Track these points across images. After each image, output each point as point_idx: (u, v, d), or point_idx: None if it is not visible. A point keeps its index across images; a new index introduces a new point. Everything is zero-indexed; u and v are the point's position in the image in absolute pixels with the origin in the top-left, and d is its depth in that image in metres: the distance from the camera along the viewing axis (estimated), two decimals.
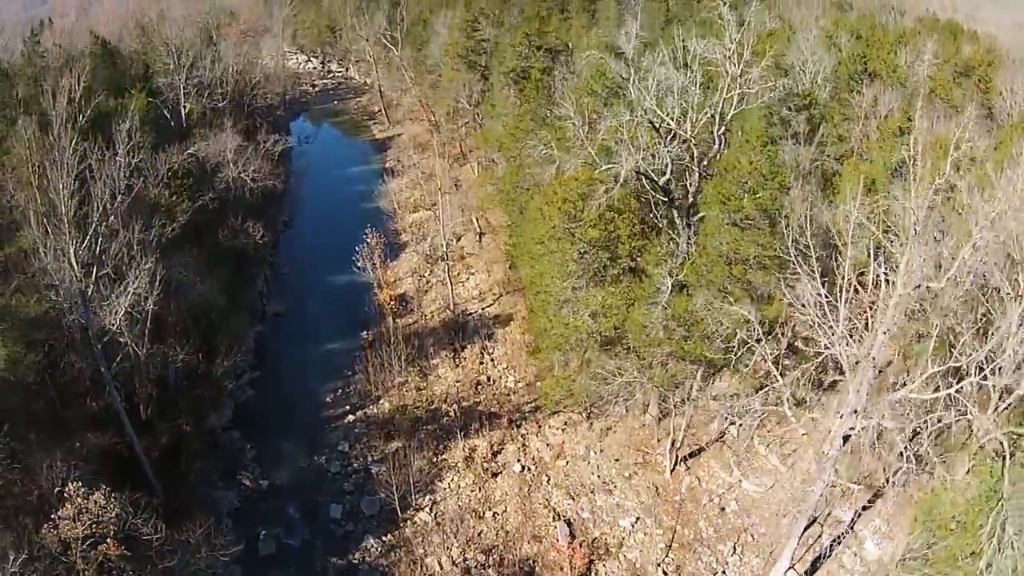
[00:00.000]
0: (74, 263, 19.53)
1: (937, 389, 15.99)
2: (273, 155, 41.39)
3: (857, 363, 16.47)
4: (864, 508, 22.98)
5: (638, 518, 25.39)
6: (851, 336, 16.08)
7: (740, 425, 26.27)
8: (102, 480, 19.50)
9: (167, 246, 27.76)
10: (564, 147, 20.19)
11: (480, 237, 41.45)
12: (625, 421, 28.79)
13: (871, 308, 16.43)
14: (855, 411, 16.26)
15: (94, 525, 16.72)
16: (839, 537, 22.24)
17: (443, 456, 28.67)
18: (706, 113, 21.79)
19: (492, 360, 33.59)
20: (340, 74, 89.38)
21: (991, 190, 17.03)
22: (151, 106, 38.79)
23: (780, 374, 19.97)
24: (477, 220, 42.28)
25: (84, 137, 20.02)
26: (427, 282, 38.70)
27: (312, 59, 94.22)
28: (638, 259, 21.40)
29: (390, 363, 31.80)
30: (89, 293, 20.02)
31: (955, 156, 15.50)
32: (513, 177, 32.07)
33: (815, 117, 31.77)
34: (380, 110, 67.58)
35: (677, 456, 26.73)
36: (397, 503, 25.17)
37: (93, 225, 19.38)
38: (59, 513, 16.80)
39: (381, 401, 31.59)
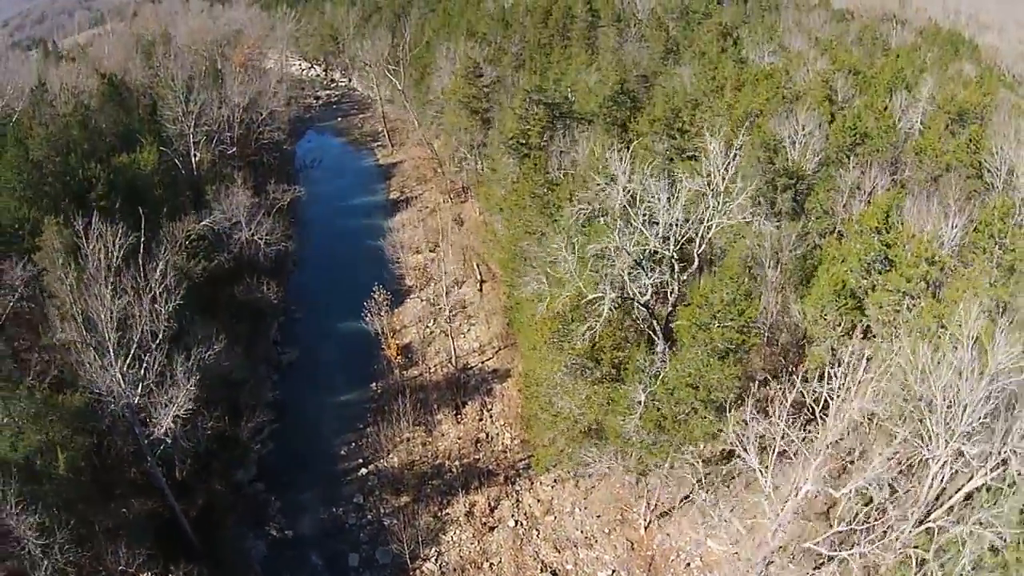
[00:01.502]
0: (121, 381, 22.56)
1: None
2: (283, 206, 43.73)
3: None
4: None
5: (614, 571, 28.97)
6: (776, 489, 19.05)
7: (708, 489, 29.52)
8: (149, 541, 23.04)
9: (191, 320, 30.85)
10: (556, 282, 22.85)
11: (481, 285, 44.27)
12: (608, 480, 32.15)
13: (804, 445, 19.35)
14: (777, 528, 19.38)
15: None
16: None
17: (447, 510, 32.20)
18: (687, 233, 24.33)
19: (491, 417, 36.87)
20: (343, 85, 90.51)
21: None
22: (162, 155, 41.40)
23: (744, 450, 23.00)
24: (478, 266, 44.99)
25: (121, 269, 22.82)
26: (430, 332, 41.73)
27: (315, 67, 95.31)
28: (620, 368, 24.30)
29: (398, 419, 35.16)
30: (136, 403, 23.11)
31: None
32: (511, 247, 34.76)
33: (801, 193, 33.99)
34: (383, 131, 69.37)
35: (652, 514, 30.09)
36: (407, 554, 28.76)
37: (134, 349, 22.30)
38: None
39: (391, 456, 35.01)
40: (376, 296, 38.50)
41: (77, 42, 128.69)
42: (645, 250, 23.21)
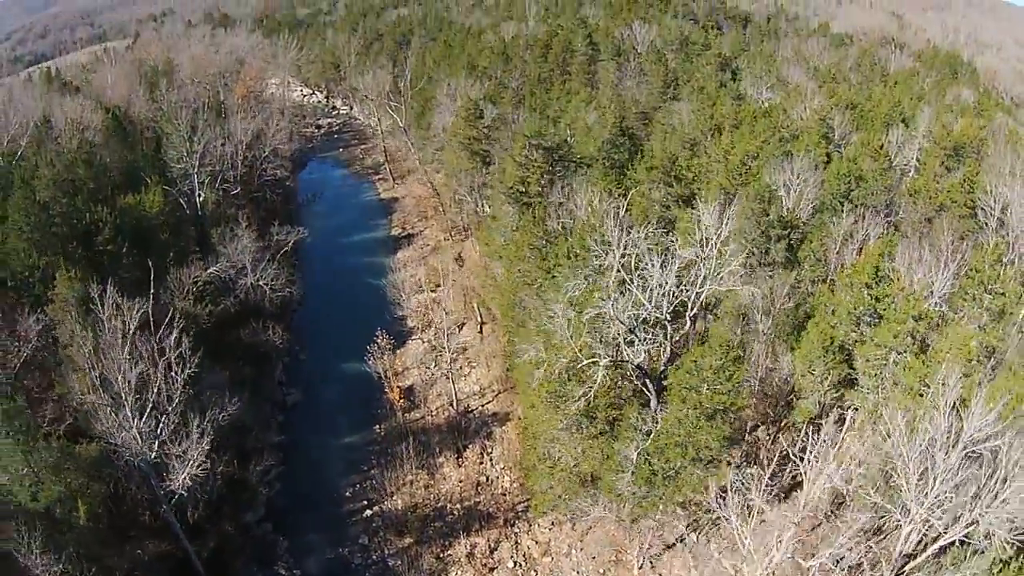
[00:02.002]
0: (137, 437, 23.89)
1: None
2: (287, 248, 45.18)
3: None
4: None
5: None
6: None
7: (698, 531, 30.66)
8: None
9: (203, 372, 32.22)
10: (553, 347, 24.18)
11: (481, 327, 45.60)
12: (603, 522, 33.26)
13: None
14: None
15: None
16: None
17: (448, 551, 33.33)
18: (679, 297, 25.66)
19: (491, 460, 38.04)
20: (345, 112, 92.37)
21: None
22: (167, 195, 42.88)
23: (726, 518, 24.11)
24: (478, 307, 46.33)
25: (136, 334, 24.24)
26: (432, 374, 42.99)
27: (317, 93, 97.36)
28: (614, 424, 25.57)
29: (401, 462, 36.37)
30: (152, 458, 24.43)
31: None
32: (510, 295, 36.14)
33: (795, 242, 35.30)
34: (384, 163, 71.08)
35: (645, 556, 31.19)
36: None
37: (150, 408, 23.65)
38: None
39: (395, 497, 36.18)
40: (379, 340, 40.04)
41: (80, 62, 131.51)
42: (639, 316, 24.52)
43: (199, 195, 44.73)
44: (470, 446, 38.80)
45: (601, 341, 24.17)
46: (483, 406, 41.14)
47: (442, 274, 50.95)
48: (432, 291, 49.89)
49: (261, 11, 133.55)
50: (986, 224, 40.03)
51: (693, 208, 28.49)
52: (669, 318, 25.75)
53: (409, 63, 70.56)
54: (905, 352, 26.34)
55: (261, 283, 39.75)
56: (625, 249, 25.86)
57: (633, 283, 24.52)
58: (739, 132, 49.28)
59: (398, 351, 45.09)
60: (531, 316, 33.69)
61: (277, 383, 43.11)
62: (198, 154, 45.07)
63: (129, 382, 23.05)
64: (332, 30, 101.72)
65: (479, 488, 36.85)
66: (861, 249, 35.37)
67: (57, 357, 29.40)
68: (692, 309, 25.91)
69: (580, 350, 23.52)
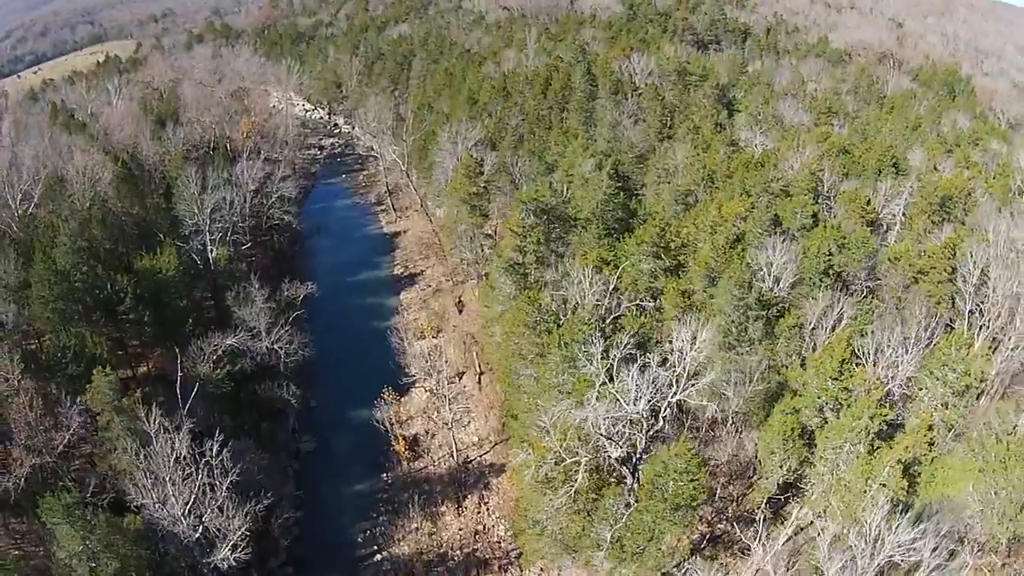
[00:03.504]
0: (181, 521, 27.22)
1: None
2: (299, 312, 48.09)
3: None
4: None
5: None
6: None
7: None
8: None
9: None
10: (539, 451, 27.30)
11: (480, 378, 48.70)
12: (589, 567, 36.83)
13: None
14: None
15: None
16: None
17: None
18: (653, 397, 28.66)
19: (488, 509, 41.56)
20: (347, 132, 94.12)
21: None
22: (180, 251, 45.61)
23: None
24: (477, 355, 49.38)
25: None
26: (434, 424, 46.25)
27: (319, 109, 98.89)
28: (594, 505, 28.91)
29: (407, 511, 39.96)
30: (196, 536, 27.86)
31: None
32: (506, 362, 39.22)
33: (772, 320, 38.04)
34: (386, 192, 73.41)
35: None
36: None
37: (192, 500, 26.97)
38: None
39: (401, 543, 39.83)
40: (384, 395, 43.37)
41: (81, 67, 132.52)
42: (618, 417, 27.57)
43: (212, 251, 47.41)
44: (469, 496, 42.30)
45: (581, 440, 27.28)
46: (481, 456, 44.53)
47: (443, 318, 53.92)
48: (433, 337, 52.91)
49: (262, 21, 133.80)
50: (964, 291, 42.36)
51: (672, 332, 31.24)
52: (645, 416, 28.82)
53: (410, 92, 72.46)
54: (859, 444, 29.36)
55: (276, 346, 42.74)
56: (608, 358, 28.82)
57: (614, 389, 27.50)
58: (729, 188, 51.67)
59: (402, 399, 48.37)
60: (524, 389, 36.85)
61: (291, 431, 46.45)
62: (208, 210, 47.55)
63: (176, 485, 26.24)
64: (334, 47, 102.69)
65: (477, 536, 40.44)
66: (835, 326, 38.18)
67: (96, 437, 32.54)
68: (665, 411, 28.92)
69: (564, 452, 26.65)
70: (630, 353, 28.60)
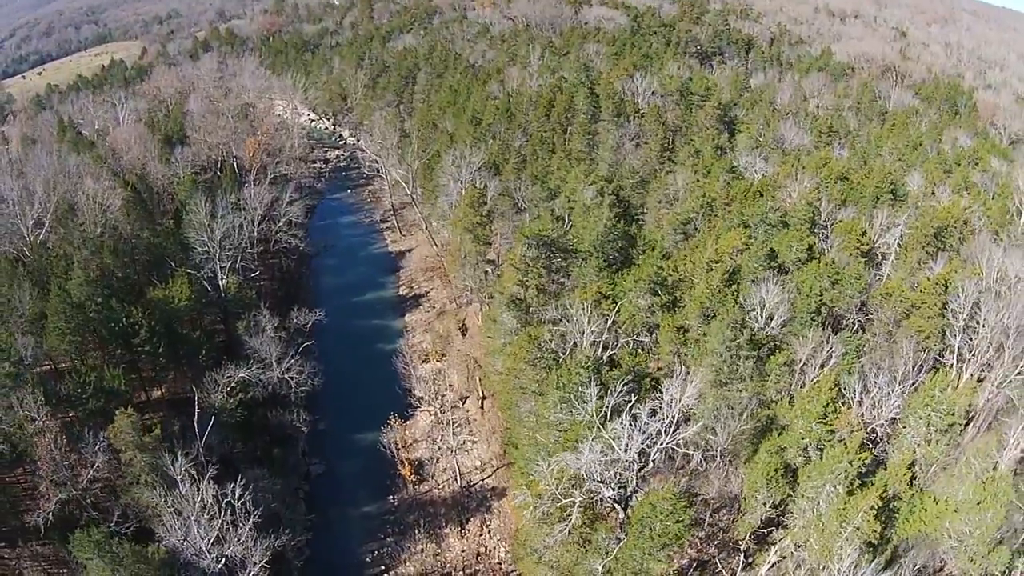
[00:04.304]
0: (206, 554, 29.22)
1: None
2: (305, 329, 49.96)
3: None
4: None
5: None
6: None
7: None
8: None
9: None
10: (536, 494, 29.20)
11: (482, 403, 50.57)
12: None
13: None
14: None
15: None
16: None
17: None
18: (643, 440, 30.44)
19: (489, 531, 43.60)
20: (352, 143, 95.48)
21: None
22: (191, 278, 47.39)
23: None
24: (480, 380, 51.19)
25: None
26: (438, 448, 48.21)
27: (324, 119, 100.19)
28: (589, 535, 30.87)
29: (413, 532, 42.01)
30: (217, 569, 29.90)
31: None
32: (507, 395, 41.07)
33: (763, 357, 39.66)
34: (391, 210, 75.00)
35: None
36: None
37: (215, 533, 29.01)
38: None
39: (407, 564, 41.93)
40: (390, 421, 45.36)
41: (86, 77, 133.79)
42: (610, 460, 29.40)
43: (222, 279, 49.18)
44: (472, 518, 44.33)
45: (576, 484, 29.17)
46: (483, 480, 46.49)
47: (447, 341, 55.69)
48: (438, 361, 54.76)
49: (267, 28, 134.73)
50: (953, 326, 43.78)
51: (662, 384, 33.05)
52: (636, 459, 30.65)
53: (415, 107, 73.83)
54: (839, 485, 31.13)
55: (287, 376, 44.67)
56: (603, 402, 30.62)
57: (607, 434, 29.32)
58: (728, 217, 53.12)
59: (408, 422, 50.31)
60: (524, 422, 38.70)
61: (301, 454, 48.45)
62: (218, 239, 49.25)
63: (200, 525, 28.23)
64: (339, 57, 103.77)
65: (479, 558, 42.51)
66: (825, 363, 39.82)
67: (120, 473, 34.46)
68: (654, 452, 30.74)
69: (560, 494, 28.56)
70: (624, 400, 30.33)
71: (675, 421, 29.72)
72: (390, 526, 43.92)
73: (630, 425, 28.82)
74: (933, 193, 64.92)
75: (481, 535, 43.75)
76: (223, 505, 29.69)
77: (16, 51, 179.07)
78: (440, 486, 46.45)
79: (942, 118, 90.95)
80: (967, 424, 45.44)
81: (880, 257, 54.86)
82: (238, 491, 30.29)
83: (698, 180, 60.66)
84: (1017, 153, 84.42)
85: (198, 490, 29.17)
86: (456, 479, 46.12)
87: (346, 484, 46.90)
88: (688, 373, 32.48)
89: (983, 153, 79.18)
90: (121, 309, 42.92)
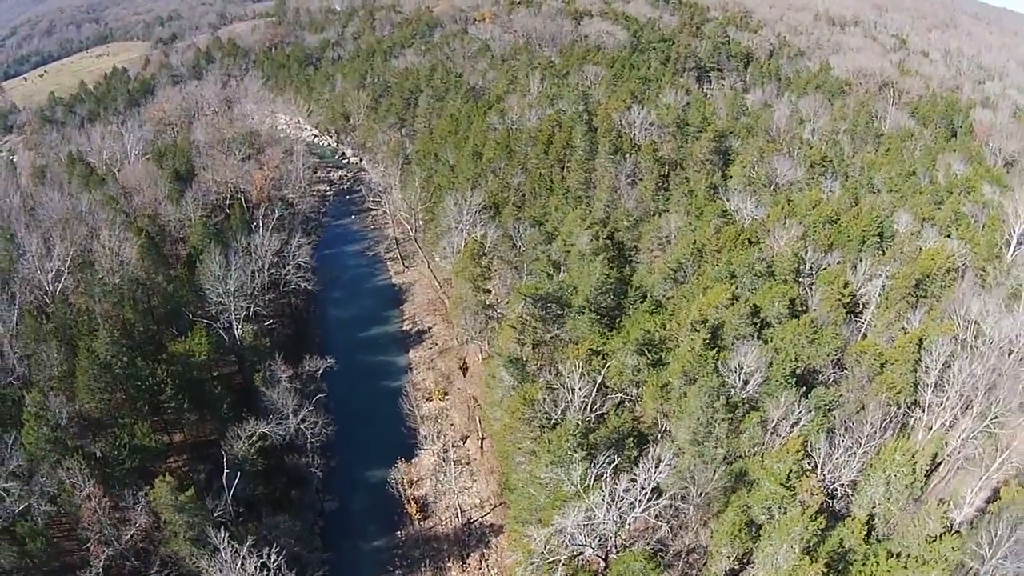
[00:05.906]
0: None
1: None
2: (317, 375, 53.89)
3: None
4: None
5: None
6: None
7: None
8: None
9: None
10: (525, 552, 33.39)
11: (482, 443, 54.63)
12: None
13: None
14: None
15: None
16: None
17: None
18: (623, 506, 34.42)
19: (487, 566, 48.12)
20: (355, 165, 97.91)
21: None
22: (208, 328, 51.08)
23: None
24: (480, 420, 55.19)
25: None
26: (441, 486, 52.47)
27: (327, 136, 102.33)
28: None
29: (419, 566, 46.57)
30: None
31: None
32: (504, 446, 45.11)
33: (738, 418, 43.36)
34: (394, 240, 78.10)
35: None
36: None
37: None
38: None
39: None
40: (398, 463, 49.59)
41: (90, 90, 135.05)
42: (592, 525, 33.47)
43: (238, 329, 52.89)
44: (472, 553, 48.82)
45: (561, 544, 33.32)
46: (483, 517, 50.86)
47: (449, 380, 59.51)
48: (440, 400, 58.71)
49: (269, 40, 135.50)
50: (926, 380, 47.10)
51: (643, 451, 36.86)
52: (615, 523, 34.72)
53: (417, 132, 76.41)
54: (795, 546, 35.09)
55: (302, 427, 48.73)
56: (589, 468, 34.53)
57: (589, 502, 33.36)
58: (717, 265, 56.17)
59: (413, 460, 54.57)
60: (518, 473, 42.68)
61: (316, 491, 52.81)
62: (232, 291, 52.76)
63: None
64: (341, 75, 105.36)
65: None
66: (797, 422, 43.51)
67: (160, 529, 38.62)
68: (632, 518, 34.79)
69: (547, 553, 32.84)
70: (607, 467, 34.31)
71: (647, 496, 33.69)
72: (398, 559, 48.59)
73: (609, 498, 32.79)
74: (920, 233, 67.10)
75: (480, 569, 48.28)
76: (258, 567, 33.95)
77: (17, 50, 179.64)
78: (443, 523, 50.88)
79: (937, 140, 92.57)
80: (933, 470, 49.35)
81: (861, 307, 57.80)
82: (274, 558, 34.51)
83: (690, 223, 63.59)
84: (1011, 177, 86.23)
85: (238, 554, 33.31)
86: (457, 516, 50.50)
87: (357, 519, 51.42)
88: (663, 441, 36.25)
89: (975, 182, 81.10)
90: (146, 367, 46.72)
